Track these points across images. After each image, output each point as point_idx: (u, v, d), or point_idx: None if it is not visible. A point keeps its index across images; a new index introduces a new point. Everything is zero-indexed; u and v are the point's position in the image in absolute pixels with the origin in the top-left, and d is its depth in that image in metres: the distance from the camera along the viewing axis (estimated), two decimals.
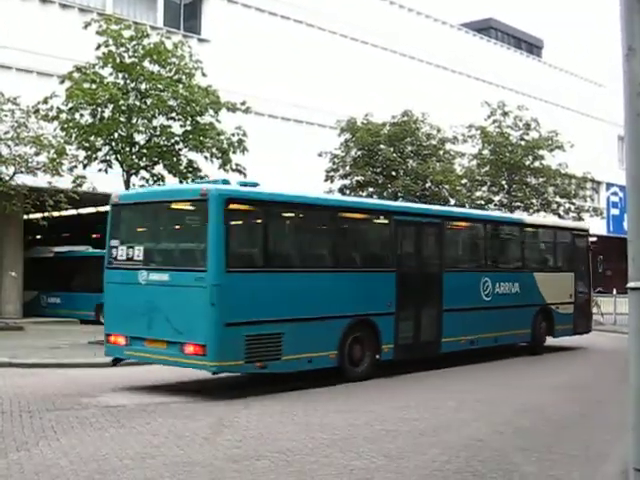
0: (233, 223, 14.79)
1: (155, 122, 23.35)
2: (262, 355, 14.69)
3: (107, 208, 17.43)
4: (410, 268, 18.49)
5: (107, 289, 16.54)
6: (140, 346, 15.19)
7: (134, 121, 22.91)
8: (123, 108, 22.70)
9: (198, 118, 23.42)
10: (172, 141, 23.60)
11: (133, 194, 17.49)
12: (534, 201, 41.67)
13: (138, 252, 15.58)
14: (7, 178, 27.10)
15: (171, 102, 23.05)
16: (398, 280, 17.80)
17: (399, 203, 24.85)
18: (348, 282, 16.82)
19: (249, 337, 14.36)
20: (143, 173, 23.99)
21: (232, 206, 14.59)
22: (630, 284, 4.55)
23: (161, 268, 15.13)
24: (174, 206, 16.10)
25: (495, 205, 41.81)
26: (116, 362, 16.45)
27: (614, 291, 32.87)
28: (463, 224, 22.13)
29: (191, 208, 15.75)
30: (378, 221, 18.95)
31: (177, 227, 16.85)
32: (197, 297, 14.08)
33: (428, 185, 40.23)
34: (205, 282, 13.99)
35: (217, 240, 14.14)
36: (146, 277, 15.03)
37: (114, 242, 16.31)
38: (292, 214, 17.02)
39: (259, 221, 15.96)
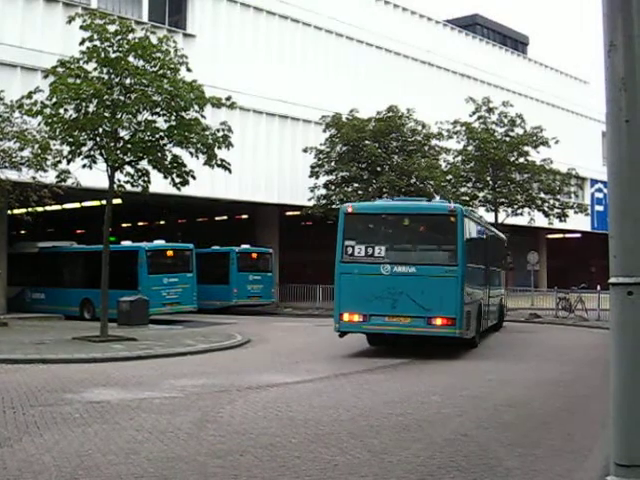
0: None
1: (140, 117, 23.26)
2: (467, 326, 20.44)
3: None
4: (490, 266, 25.83)
5: (341, 279, 20.50)
6: (381, 321, 20.07)
7: (118, 116, 22.81)
8: (107, 103, 22.60)
9: (183, 113, 23.34)
10: (157, 136, 23.50)
11: (367, 206, 23.23)
12: (519, 197, 41.81)
13: (379, 251, 20.25)
14: None
15: (156, 97, 22.95)
16: (485, 274, 25.07)
17: None
18: (484, 274, 24.38)
19: (466, 313, 20.16)
20: (128, 168, 23.93)
21: (465, 220, 20.55)
22: (612, 279, 4.57)
23: (407, 263, 20.14)
24: (417, 218, 21.27)
25: (480, 201, 41.92)
26: (343, 335, 21.02)
27: (598, 287, 32.97)
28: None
29: (437, 220, 21.13)
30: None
31: (421, 233, 21.66)
32: (447, 284, 19.63)
33: (413, 181, 40.40)
34: (456, 273, 19.70)
35: (462, 243, 20.02)
36: (390, 270, 19.94)
37: (349, 242, 20.49)
38: (482, 229, 24.72)
39: (470, 230, 21.86)
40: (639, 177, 4.40)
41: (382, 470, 8.69)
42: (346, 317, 20.22)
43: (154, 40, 23.31)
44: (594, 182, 65.00)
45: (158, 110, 23.32)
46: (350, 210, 20.94)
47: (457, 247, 19.98)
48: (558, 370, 18.26)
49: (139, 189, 24.65)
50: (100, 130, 22.82)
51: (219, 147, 23.88)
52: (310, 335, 28.14)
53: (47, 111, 22.52)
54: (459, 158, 42.50)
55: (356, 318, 20.16)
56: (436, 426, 11.24)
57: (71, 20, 22.98)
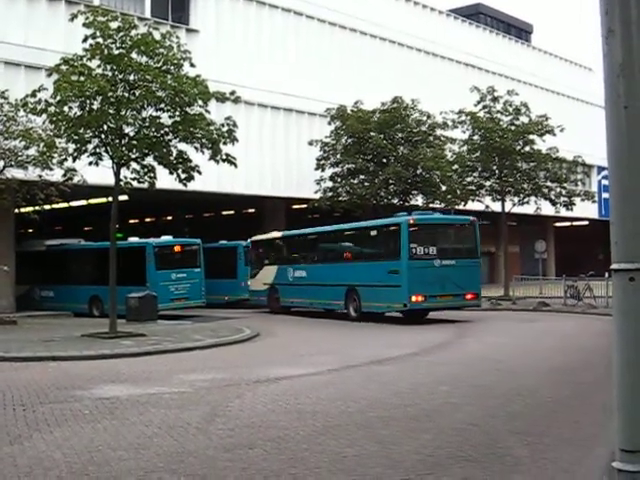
0: None
1: (144, 113, 23.29)
2: None
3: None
4: None
5: (409, 271, 27.28)
6: (435, 299, 27.77)
7: (123, 113, 22.82)
8: (112, 100, 22.61)
9: (187, 109, 23.35)
10: (161, 132, 23.53)
11: (422, 218, 29.43)
12: (525, 186, 41.72)
13: (432, 250, 28.03)
14: None
15: (160, 93, 22.96)
16: None
17: None
18: None
19: None
20: (133, 165, 23.96)
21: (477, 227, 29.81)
22: (614, 266, 4.57)
23: (449, 257, 28.29)
24: (450, 227, 30.91)
25: (486, 190, 41.87)
26: (410, 311, 28.31)
27: (606, 275, 32.90)
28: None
29: (462, 228, 30.46)
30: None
31: (453, 237, 30.77)
32: (473, 271, 29.17)
33: (419, 171, 40.40)
34: (477, 264, 29.90)
35: (478, 243, 29.59)
36: (440, 262, 27.69)
37: (413, 245, 27.64)
38: None
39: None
40: (639, 163, 4.40)
41: (391, 461, 8.70)
42: (413, 298, 27.21)
43: (157, 36, 23.32)
44: (601, 169, 64.76)
45: (162, 106, 23.34)
46: (412, 222, 28.16)
47: (476, 245, 29.49)
48: (566, 358, 18.27)
49: (145, 185, 24.69)
50: (105, 127, 22.85)
51: (224, 142, 23.89)
52: (318, 328, 28.21)
53: (52, 109, 22.56)
54: (465, 148, 42.47)
55: (420, 299, 27.32)
56: (445, 416, 11.26)
57: (74, 18, 23.00)
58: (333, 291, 31.19)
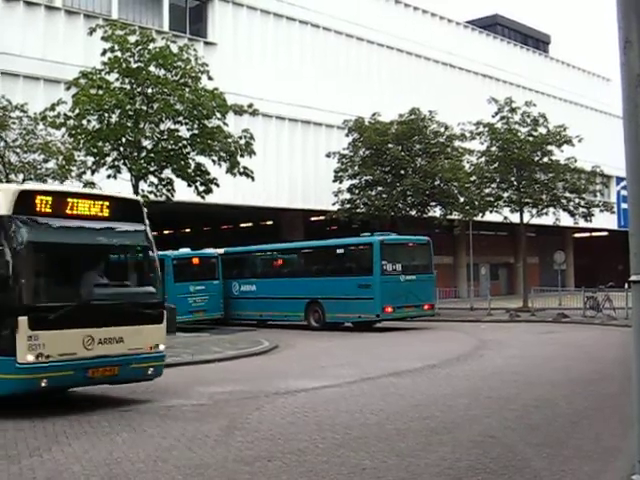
0: None
1: (162, 126, 23.41)
2: None
3: None
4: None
5: (381, 285, 30.40)
6: (401, 310, 31.04)
7: (141, 126, 22.95)
8: (130, 113, 22.74)
9: (205, 121, 23.43)
10: (180, 145, 23.62)
11: (391, 238, 32.61)
12: (543, 197, 41.50)
13: (398, 266, 31.10)
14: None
15: (178, 106, 23.07)
16: None
17: None
18: None
19: None
20: (152, 178, 24.04)
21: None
22: (633, 277, 4.55)
23: (410, 273, 31.48)
24: (411, 246, 33.38)
25: (504, 202, 41.71)
26: (380, 321, 31.70)
27: (625, 286, 32.65)
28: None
29: (420, 247, 33.21)
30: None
31: (413, 255, 33.20)
32: (429, 284, 32.59)
33: (437, 183, 40.34)
34: (433, 278, 33.35)
35: (432, 260, 33.37)
36: (404, 277, 30.93)
37: (383, 262, 30.61)
38: None
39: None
40: None
41: (409, 474, 8.67)
42: (386, 309, 30.35)
43: (175, 49, 23.43)
44: (620, 179, 64.42)
45: (180, 119, 23.45)
46: (383, 241, 31.17)
47: (430, 263, 33.25)
48: (584, 369, 18.18)
49: (163, 198, 24.76)
50: (123, 140, 22.98)
51: (242, 155, 23.94)
52: (336, 340, 28.16)
53: (70, 122, 22.72)
54: (483, 159, 42.29)
55: (390, 309, 30.49)
56: (463, 428, 11.21)
57: (92, 31, 23.18)
58: (291, 304, 33.29)
